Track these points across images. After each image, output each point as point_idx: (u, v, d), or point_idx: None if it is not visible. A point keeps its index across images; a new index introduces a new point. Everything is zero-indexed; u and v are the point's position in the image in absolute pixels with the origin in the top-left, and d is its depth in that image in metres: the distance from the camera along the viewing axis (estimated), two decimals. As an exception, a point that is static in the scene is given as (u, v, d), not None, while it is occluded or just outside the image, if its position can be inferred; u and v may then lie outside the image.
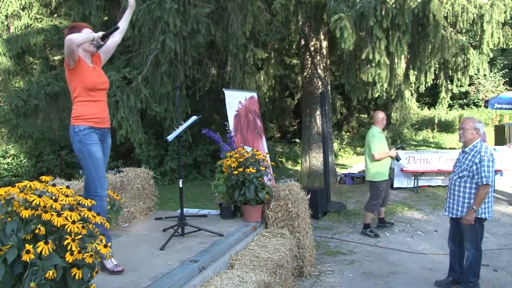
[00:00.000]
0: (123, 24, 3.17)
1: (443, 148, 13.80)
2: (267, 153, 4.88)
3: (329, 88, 9.55)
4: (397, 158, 5.75)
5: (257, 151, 4.37)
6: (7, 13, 11.61)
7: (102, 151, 2.86)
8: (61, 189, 2.00)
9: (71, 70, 2.81)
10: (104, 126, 2.91)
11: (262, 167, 4.16)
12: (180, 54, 6.41)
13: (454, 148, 8.46)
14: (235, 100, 5.96)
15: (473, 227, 3.65)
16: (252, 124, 6.21)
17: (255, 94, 6.65)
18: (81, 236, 1.85)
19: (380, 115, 5.65)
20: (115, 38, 3.13)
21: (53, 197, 1.91)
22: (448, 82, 8.47)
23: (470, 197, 3.67)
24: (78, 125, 2.79)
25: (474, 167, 3.62)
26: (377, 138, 5.49)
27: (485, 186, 3.56)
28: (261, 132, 6.47)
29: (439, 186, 7.82)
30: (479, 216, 3.64)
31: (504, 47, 8.32)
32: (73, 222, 1.85)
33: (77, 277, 1.81)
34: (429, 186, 8.18)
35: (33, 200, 1.86)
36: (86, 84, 2.81)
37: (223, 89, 5.95)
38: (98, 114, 2.86)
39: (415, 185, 8.02)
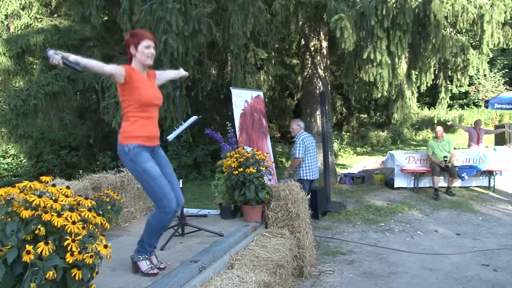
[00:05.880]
0: (170, 76, 3.24)
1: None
2: (267, 153, 4.88)
3: (329, 88, 9.56)
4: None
5: (257, 151, 4.37)
6: (7, 12, 11.60)
7: (158, 166, 2.68)
8: (61, 189, 2.00)
9: (124, 85, 2.62)
10: (154, 145, 2.75)
11: (263, 167, 4.16)
12: (181, 54, 6.41)
13: (455, 148, 8.45)
14: (241, 99, 5.95)
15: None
16: (257, 123, 6.21)
17: (261, 93, 6.63)
18: (81, 236, 1.85)
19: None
20: (170, 75, 3.24)
21: (53, 198, 1.91)
22: (448, 82, 8.48)
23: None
24: (128, 143, 2.60)
25: (294, 148, 5.93)
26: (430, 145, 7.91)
27: (295, 159, 5.87)
28: (266, 132, 6.47)
29: (439, 186, 7.79)
30: (300, 178, 5.87)
31: (504, 47, 8.32)
32: (73, 223, 1.85)
33: (77, 277, 1.81)
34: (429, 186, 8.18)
35: (33, 201, 1.85)
36: (141, 99, 2.62)
37: (230, 88, 5.93)
38: (150, 133, 2.69)
39: (415, 185, 8.02)
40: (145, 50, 2.68)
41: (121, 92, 2.66)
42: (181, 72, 3.30)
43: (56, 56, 2.26)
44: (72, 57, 2.34)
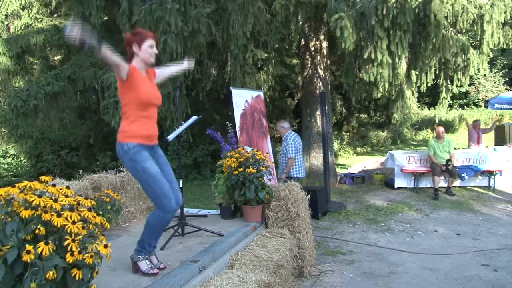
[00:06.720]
0: (172, 71, 3.23)
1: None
2: (267, 153, 4.88)
3: (329, 88, 9.55)
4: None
5: (257, 151, 4.37)
6: (7, 12, 11.62)
7: (157, 165, 2.69)
8: (61, 189, 2.00)
9: (124, 83, 2.61)
10: (153, 143, 2.76)
11: (263, 167, 4.16)
12: (180, 54, 6.41)
13: (455, 148, 8.45)
14: (242, 99, 5.95)
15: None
16: (258, 123, 6.21)
17: (261, 93, 6.64)
18: (81, 236, 1.85)
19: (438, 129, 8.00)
20: (173, 70, 3.23)
21: (53, 198, 1.91)
22: (448, 82, 8.47)
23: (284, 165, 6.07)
24: (127, 142, 2.61)
25: (285, 148, 6.01)
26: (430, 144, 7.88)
27: (290, 159, 5.95)
28: (266, 132, 6.47)
29: (439, 186, 7.80)
30: (291, 176, 5.94)
31: (504, 47, 8.32)
32: (73, 223, 1.85)
33: (77, 277, 1.81)
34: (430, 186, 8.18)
35: (33, 201, 1.85)
36: (141, 98, 2.62)
37: (230, 88, 5.93)
38: (149, 132, 2.70)
39: (415, 185, 8.02)
40: (149, 49, 2.70)
41: (121, 90, 2.66)
42: (185, 65, 3.27)
43: (75, 29, 2.11)
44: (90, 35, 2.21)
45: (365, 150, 16.04)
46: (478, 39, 7.61)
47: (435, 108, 20.76)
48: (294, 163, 6.02)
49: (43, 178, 2.04)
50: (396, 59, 6.83)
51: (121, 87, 2.65)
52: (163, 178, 2.66)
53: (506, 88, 21.74)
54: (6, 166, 12.71)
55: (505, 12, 6.96)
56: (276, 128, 6.33)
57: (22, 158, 12.95)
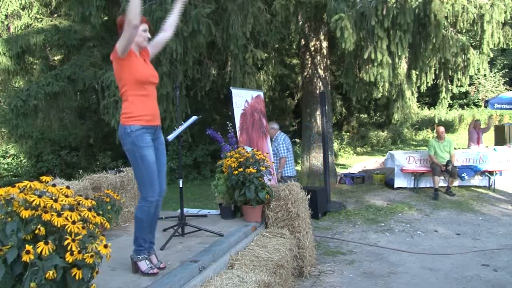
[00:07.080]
0: (174, 17, 3.06)
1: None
2: (267, 153, 4.88)
3: (329, 88, 9.55)
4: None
5: (257, 151, 4.36)
6: (7, 12, 11.61)
7: (155, 152, 2.76)
8: (61, 189, 2.00)
9: (121, 62, 2.65)
10: (156, 124, 2.80)
11: (263, 167, 4.16)
12: (180, 54, 6.41)
13: (455, 148, 8.45)
14: (242, 99, 5.94)
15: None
16: (258, 123, 6.21)
17: (261, 93, 6.63)
18: (81, 236, 1.85)
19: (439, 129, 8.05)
20: (167, 33, 3.05)
21: (53, 198, 1.91)
22: (448, 82, 8.47)
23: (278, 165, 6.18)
24: (130, 125, 2.64)
25: (276, 149, 6.23)
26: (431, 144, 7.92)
27: (282, 158, 6.18)
28: (266, 132, 6.47)
29: (439, 186, 7.81)
30: (282, 175, 6.14)
31: (504, 47, 8.32)
32: (73, 223, 1.85)
33: (77, 277, 1.81)
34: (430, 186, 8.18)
35: (33, 201, 1.85)
36: (137, 77, 2.67)
37: (230, 88, 5.92)
38: (150, 111, 2.73)
39: (415, 185, 8.02)
40: (142, 33, 2.76)
41: (118, 70, 2.70)
42: (178, 5, 3.09)
43: None
44: None
45: (365, 150, 16.04)
46: (478, 39, 7.61)
47: (435, 108, 20.77)
48: (285, 163, 6.24)
49: (43, 178, 2.04)
50: (396, 59, 6.83)
51: (119, 68, 2.69)
52: (155, 168, 2.73)
53: (506, 88, 21.74)
54: (6, 166, 12.71)
55: (505, 12, 6.96)
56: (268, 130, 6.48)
57: (22, 158, 12.95)
